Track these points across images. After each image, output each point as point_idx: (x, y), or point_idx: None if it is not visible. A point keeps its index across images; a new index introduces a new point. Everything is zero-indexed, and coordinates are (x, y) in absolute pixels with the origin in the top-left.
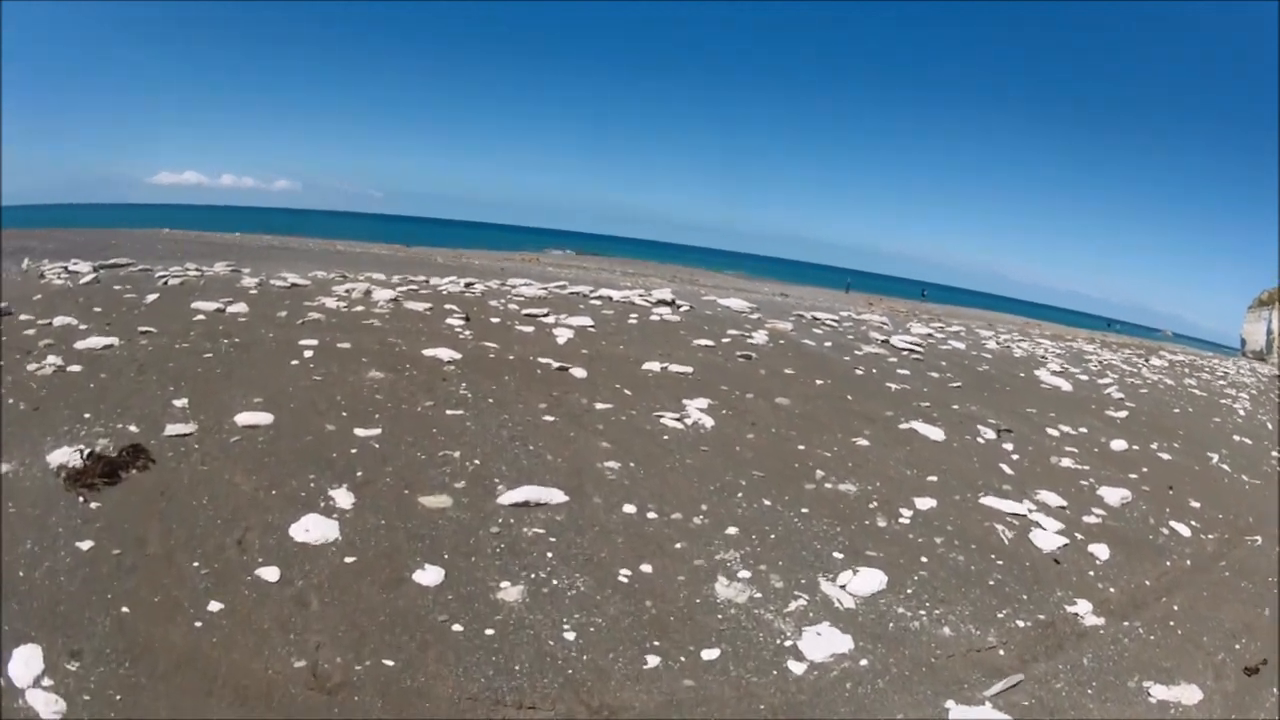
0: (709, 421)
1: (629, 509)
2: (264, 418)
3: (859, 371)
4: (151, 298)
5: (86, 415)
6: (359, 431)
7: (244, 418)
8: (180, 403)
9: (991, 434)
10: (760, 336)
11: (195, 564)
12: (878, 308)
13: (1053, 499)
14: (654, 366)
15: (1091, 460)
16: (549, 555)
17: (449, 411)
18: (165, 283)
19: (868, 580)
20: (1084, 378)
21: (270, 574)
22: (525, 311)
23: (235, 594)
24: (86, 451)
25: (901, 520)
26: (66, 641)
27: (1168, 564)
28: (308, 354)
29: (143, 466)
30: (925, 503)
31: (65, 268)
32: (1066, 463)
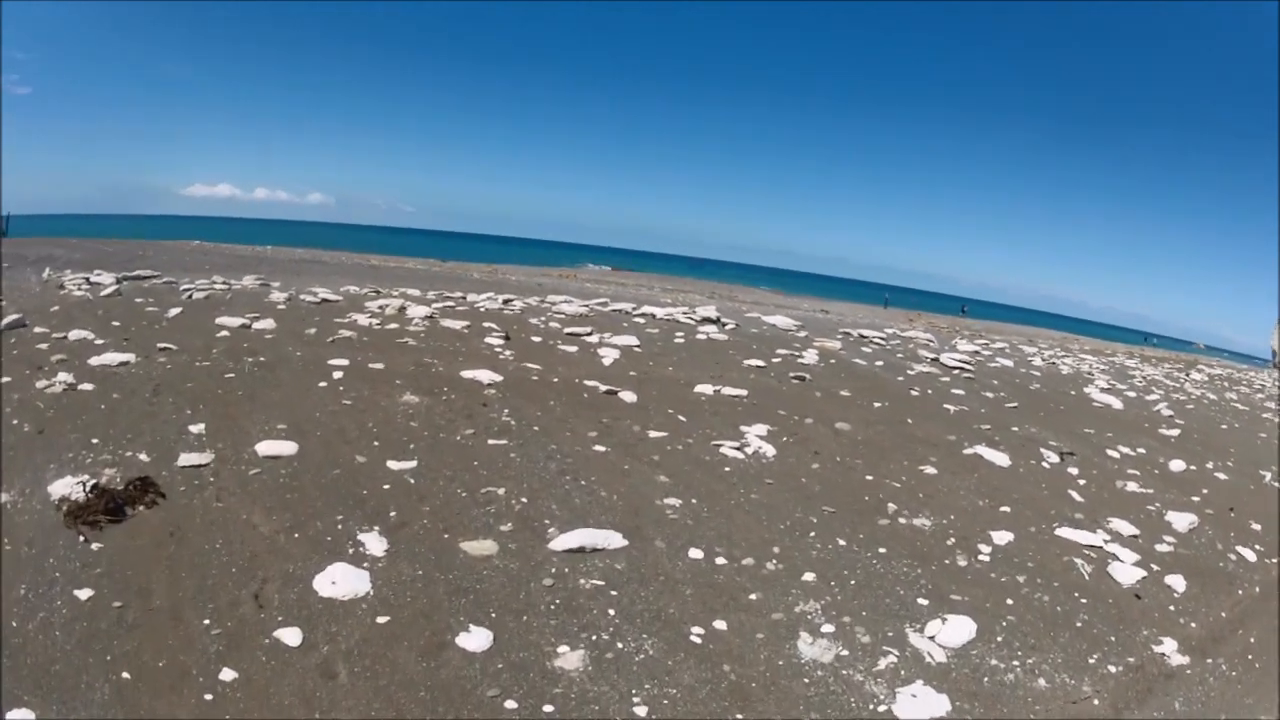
0: (770, 450)
1: (695, 553)
2: (287, 447)
3: (914, 392)
4: (174, 312)
5: (94, 440)
6: (392, 464)
7: (266, 446)
8: (197, 428)
9: (1055, 458)
10: (811, 356)
11: (206, 622)
12: (919, 324)
13: (1125, 527)
14: (706, 389)
15: (1155, 483)
16: (611, 612)
17: (491, 441)
18: (190, 296)
19: (957, 629)
20: (1132, 394)
21: (292, 636)
22: (568, 330)
23: (251, 660)
24: (90, 484)
25: (981, 558)
26: (61, 709)
27: (1239, 592)
28: (337, 375)
29: (151, 503)
30: (1002, 536)
31: (87, 279)
32: (1132, 487)
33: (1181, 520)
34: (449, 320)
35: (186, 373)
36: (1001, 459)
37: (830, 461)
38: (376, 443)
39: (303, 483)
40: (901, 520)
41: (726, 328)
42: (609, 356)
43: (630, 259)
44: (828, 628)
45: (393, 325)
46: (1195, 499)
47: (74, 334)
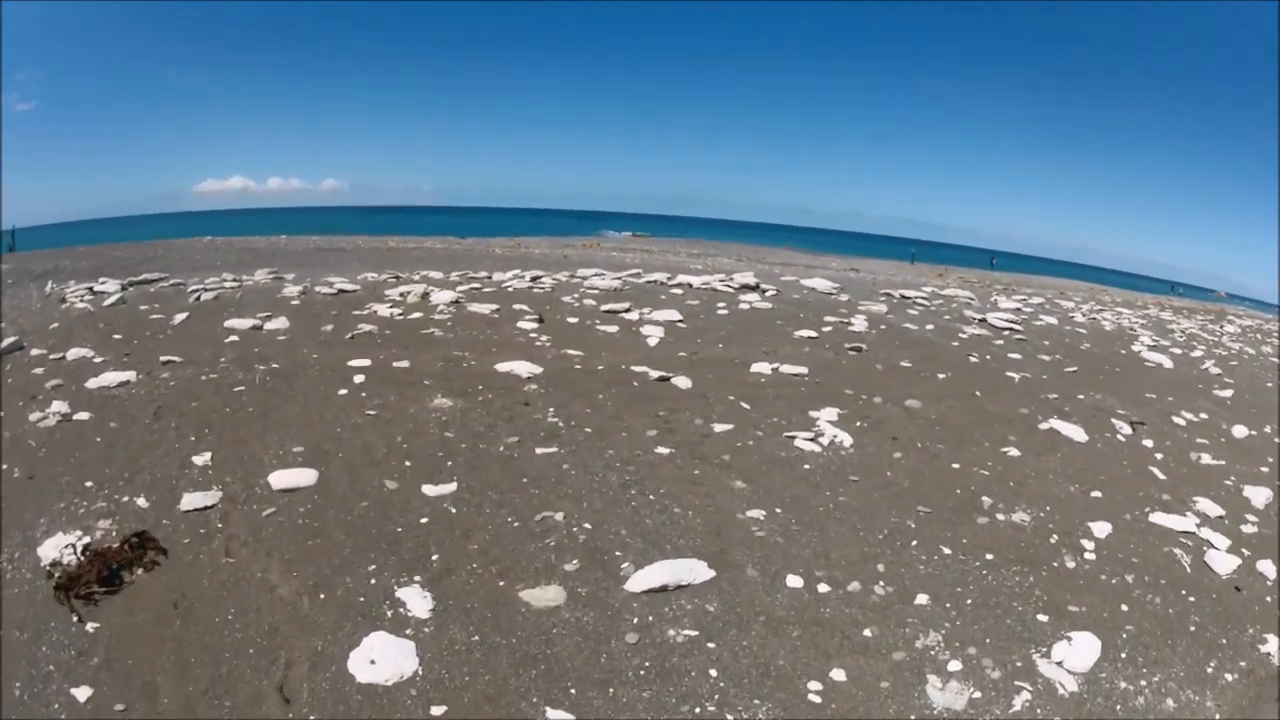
0: (846, 439)
1: (794, 581)
2: (306, 476)
3: (973, 359)
4: (180, 318)
5: (88, 484)
6: (429, 489)
7: (280, 477)
8: (202, 459)
9: (1127, 429)
10: (859, 322)
11: None
12: (950, 280)
13: (1211, 508)
14: (764, 368)
15: (1225, 453)
16: (712, 673)
17: (539, 450)
18: (198, 298)
19: (1082, 650)
20: (1177, 351)
21: None
22: (604, 308)
23: None
24: (82, 544)
25: (1087, 556)
26: None
27: None
28: (358, 379)
29: (150, 564)
30: (1101, 528)
31: (90, 288)
32: (1206, 459)
33: (1259, 496)
34: (476, 304)
35: (191, 389)
36: (1078, 433)
37: (911, 448)
38: (408, 462)
39: (325, 522)
40: (1000, 517)
41: (767, 294)
42: (653, 336)
43: (648, 224)
44: (954, 665)
45: (416, 314)
46: (1264, 469)
47: (73, 353)
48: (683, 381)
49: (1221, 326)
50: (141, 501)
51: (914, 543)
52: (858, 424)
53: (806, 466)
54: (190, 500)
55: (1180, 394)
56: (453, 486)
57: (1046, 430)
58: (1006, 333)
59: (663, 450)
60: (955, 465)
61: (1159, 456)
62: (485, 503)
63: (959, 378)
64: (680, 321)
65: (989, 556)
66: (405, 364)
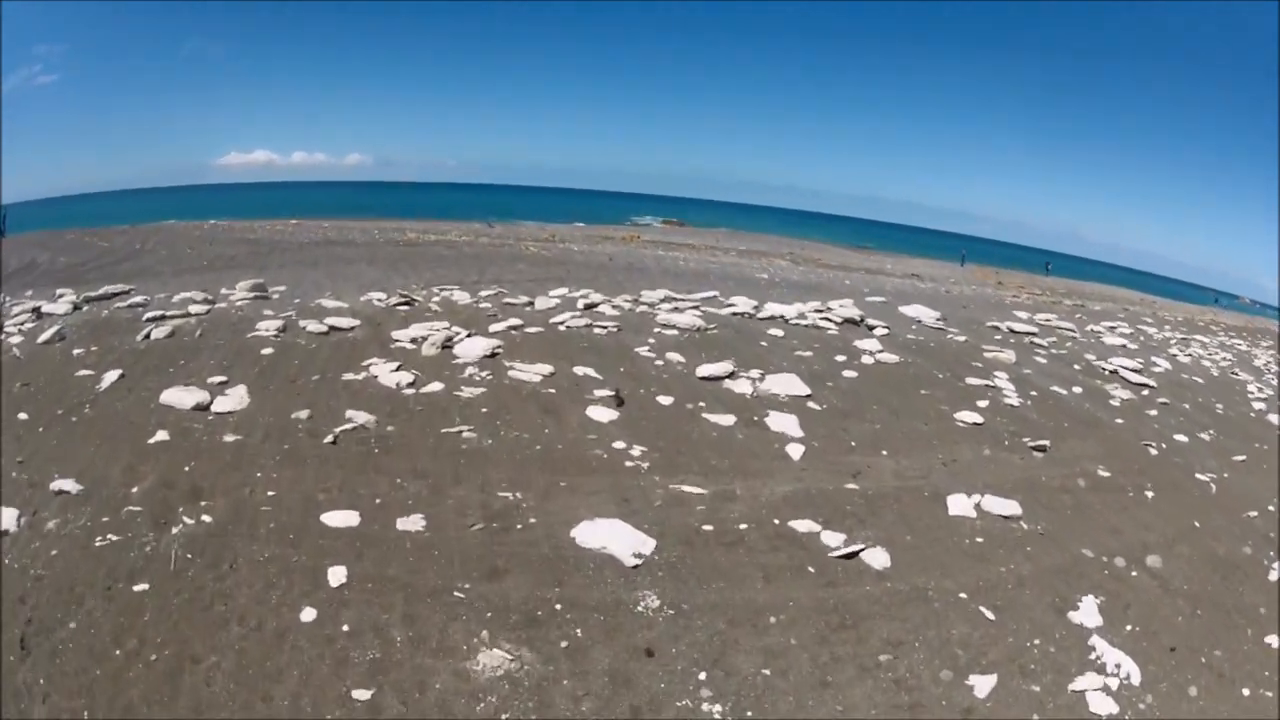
0: (1134, 673)
1: None
2: None
3: (1153, 451)
4: (110, 379)
5: None
6: None
7: None
8: None
9: None
10: (1005, 385)
11: None
12: (1010, 287)
13: None
14: (964, 506)
15: None
16: None
17: None
18: (148, 336)
19: None
20: None
21: None
22: (700, 372)
23: None
24: None
25: None
26: None
27: None
28: (336, 577)
29: None
30: None
31: (39, 309)
32: None
33: None
34: (521, 365)
35: (72, 581)
36: None
37: (1199, 671)
38: None
39: None
40: None
41: (879, 333)
42: (787, 431)
43: (673, 207)
44: None
45: (434, 386)
46: None
47: None
48: (878, 557)
49: None
50: None
51: None
52: (1127, 629)
53: None
54: None
55: None
56: None
57: None
58: (1145, 391)
59: None
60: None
61: None
62: None
63: (1164, 495)
64: (809, 398)
65: None
66: (419, 523)
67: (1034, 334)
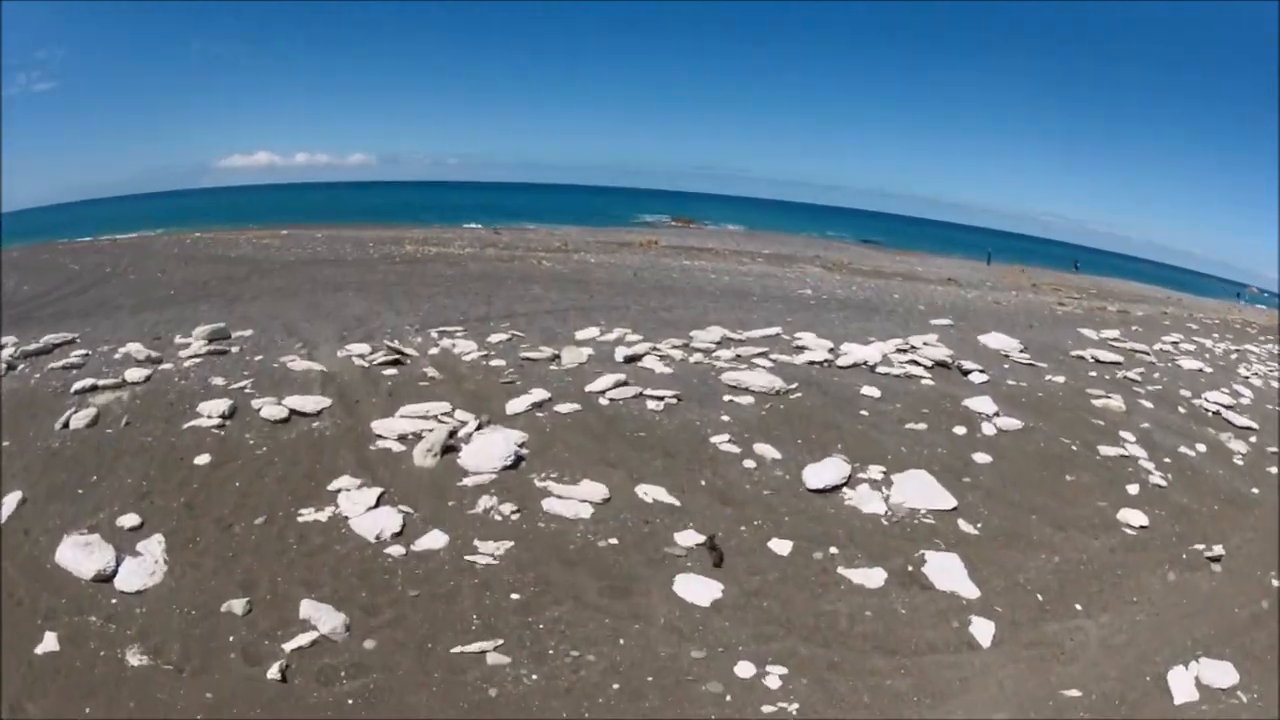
0: None
1: None
2: None
3: None
4: (6, 511)
5: None
6: None
7: None
8: None
9: None
10: (1134, 448)
11: None
12: (1044, 289)
13: None
14: (1186, 687)
15: None
16: None
17: None
18: (68, 423)
19: None
20: None
21: None
22: (808, 479)
23: None
24: None
25: None
26: None
27: None
28: None
29: None
30: None
31: None
32: None
33: None
34: (556, 482)
35: None
36: None
37: None
38: None
39: None
40: None
41: (979, 381)
42: (959, 591)
43: (678, 203)
44: None
45: (432, 539)
46: None
47: None
48: None
49: None
50: None
51: None
52: None
53: None
54: None
55: None
56: None
57: None
58: (1253, 437)
59: None
60: None
61: None
62: None
63: None
64: (955, 512)
65: None
66: None
67: (1119, 363)
